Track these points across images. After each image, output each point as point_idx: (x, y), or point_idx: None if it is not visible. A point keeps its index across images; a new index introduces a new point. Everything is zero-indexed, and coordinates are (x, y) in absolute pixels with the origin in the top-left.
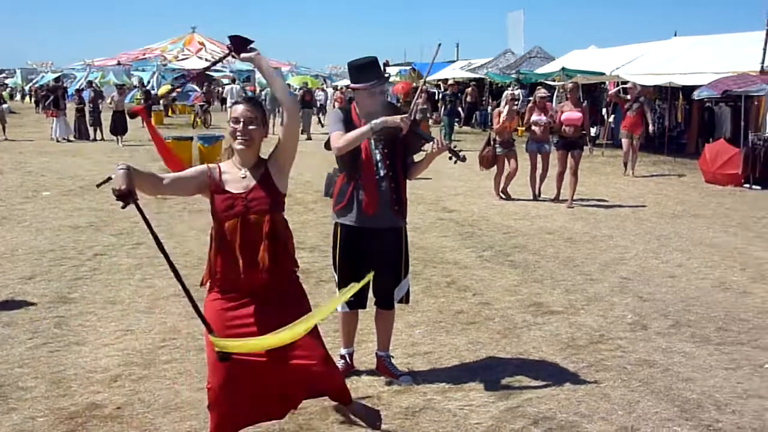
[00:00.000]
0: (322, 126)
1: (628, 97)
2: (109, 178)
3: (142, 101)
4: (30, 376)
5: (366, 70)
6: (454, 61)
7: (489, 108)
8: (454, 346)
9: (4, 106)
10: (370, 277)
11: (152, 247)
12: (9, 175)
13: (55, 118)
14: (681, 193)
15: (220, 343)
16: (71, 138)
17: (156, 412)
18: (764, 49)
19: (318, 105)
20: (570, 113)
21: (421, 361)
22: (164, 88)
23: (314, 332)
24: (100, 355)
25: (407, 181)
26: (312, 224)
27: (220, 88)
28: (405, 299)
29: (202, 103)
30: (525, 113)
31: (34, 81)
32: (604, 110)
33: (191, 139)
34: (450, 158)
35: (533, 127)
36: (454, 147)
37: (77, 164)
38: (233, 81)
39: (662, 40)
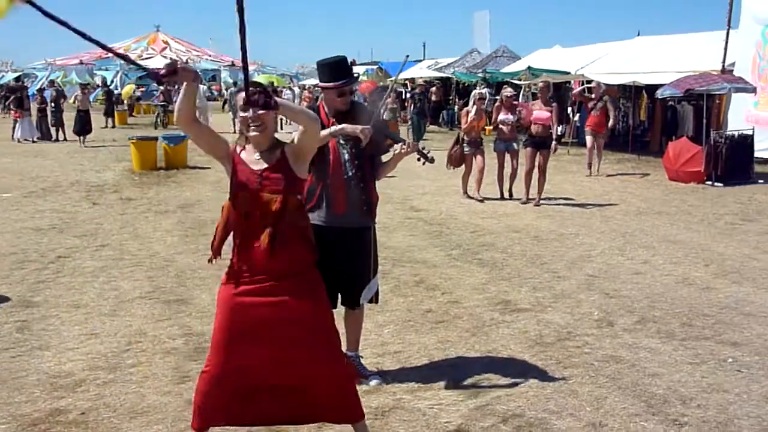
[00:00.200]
0: (290, 125)
1: (593, 96)
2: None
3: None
4: None
5: (335, 69)
6: (420, 61)
7: (456, 107)
8: (423, 345)
9: None
10: None
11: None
12: None
13: (19, 119)
14: (645, 191)
15: None
16: (35, 139)
17: (122, 417)
18: (725, 49)
19: None
20: (539, 112)
21: (390, 361)
22: (128, 88)
23: (334, 342)
24: (63, 360)
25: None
26: None
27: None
28: (374, 299)
29: (162, 103)
30: (492, 112)
31: None
32: (569, 109)
33: (156, 139)
34: (418, 159)
35: (501, 126)
36: (423, 148)
37: (39, 165)
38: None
39: (626, 39)
